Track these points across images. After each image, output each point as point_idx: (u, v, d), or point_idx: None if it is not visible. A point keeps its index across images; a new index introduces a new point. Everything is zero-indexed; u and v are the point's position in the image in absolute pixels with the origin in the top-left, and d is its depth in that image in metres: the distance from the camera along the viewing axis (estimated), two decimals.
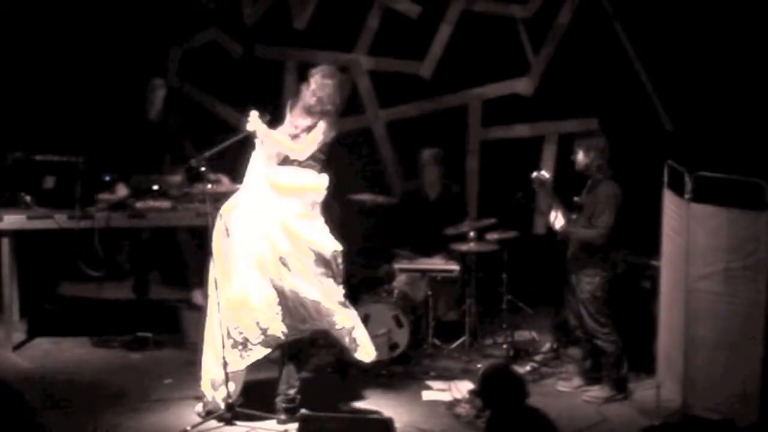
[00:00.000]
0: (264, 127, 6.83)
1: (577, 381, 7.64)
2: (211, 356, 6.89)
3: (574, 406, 7.27)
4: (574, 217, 7.53)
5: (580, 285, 7.43)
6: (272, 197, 6.84)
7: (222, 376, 6.82)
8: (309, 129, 6.90)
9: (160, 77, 9.10)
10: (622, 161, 8.03)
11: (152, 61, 9.88)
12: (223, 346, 6.78)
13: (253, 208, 6.84)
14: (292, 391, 6.94)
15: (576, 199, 7.52)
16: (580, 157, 7.44)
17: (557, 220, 7.55)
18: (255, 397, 7.04)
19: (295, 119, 6.97)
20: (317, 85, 6.93)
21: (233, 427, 6.85)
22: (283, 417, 6.89)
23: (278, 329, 6.79)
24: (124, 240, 9.21)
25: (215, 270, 6.86)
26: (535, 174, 7.65)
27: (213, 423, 6.86)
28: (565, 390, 7.59)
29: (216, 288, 6.83)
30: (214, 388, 6.90)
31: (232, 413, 6.86)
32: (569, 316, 7.73)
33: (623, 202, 7.39)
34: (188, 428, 6.82)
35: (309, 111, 6.93)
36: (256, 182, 6.88)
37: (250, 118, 6.82)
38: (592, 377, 7.58)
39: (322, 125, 6.90)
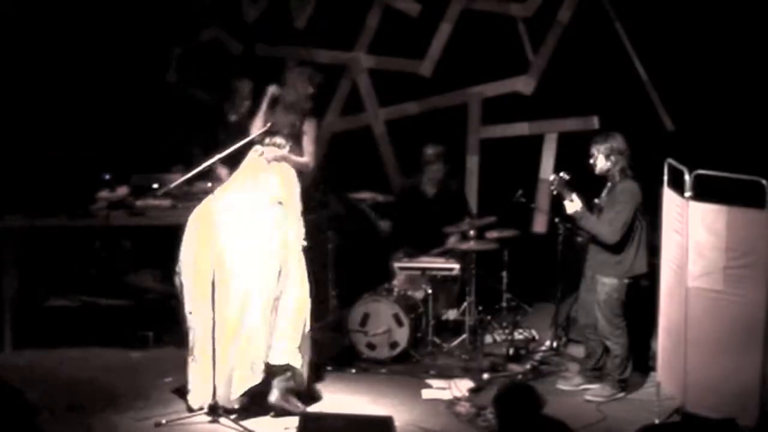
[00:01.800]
0: (281, 151, 7.01)
1: (577, 380, 7.62)
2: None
3: (574, 405, 7.26)
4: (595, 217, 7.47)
5: (597, 285, 7.39)
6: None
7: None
8: (291, 126, 7.08)
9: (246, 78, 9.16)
10: None
11: (153, 60, 9.91)
12: (213, 350, 6.84)
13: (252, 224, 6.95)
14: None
15: (596, 201, 7.45)
16: (601, 161, 7.36)
17: (574, 203, 7.44)
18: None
19: (274, 117, 7.12)
20: (300, 84, 7.13)
21: (226, 425, 6.87)
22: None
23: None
24: (124, 239, 9.22)
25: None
26: (554, 176, 7.55)
27: (199, 418, 6.90)
28: (565, 389, 7.58)
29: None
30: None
31: (214, 415, 6.86)
32: (580, 314, 7.70)
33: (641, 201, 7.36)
34: (162, 420, 6.84)
35: (290, 108, 7.11)
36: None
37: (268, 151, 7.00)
38: (593, 376, 7.57)
39: (311, 124, 7.13)
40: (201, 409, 6.93)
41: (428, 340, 8.43)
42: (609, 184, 7.41)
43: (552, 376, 7.86)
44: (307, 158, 7.16)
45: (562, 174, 7.47)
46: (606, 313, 7.36)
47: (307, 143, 7.15)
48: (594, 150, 7.39)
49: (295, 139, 7.12)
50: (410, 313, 8.26)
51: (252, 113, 8.94)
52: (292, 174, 7.10)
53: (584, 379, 7.59)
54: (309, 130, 7.15)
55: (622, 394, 7.44)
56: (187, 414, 6.92)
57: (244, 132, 8.90)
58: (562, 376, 7.82)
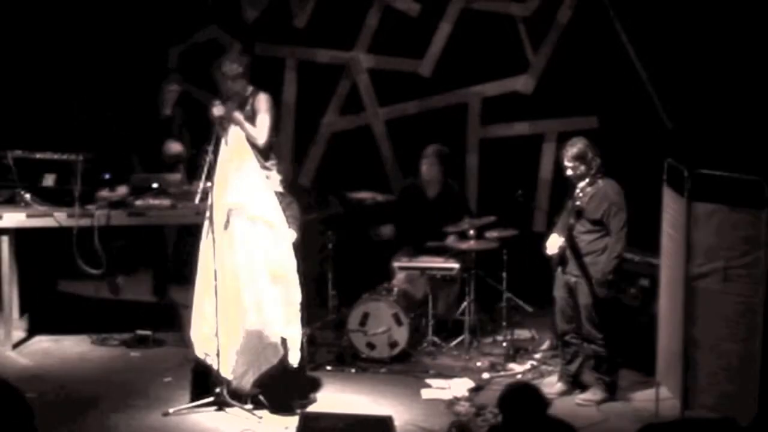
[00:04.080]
0: (230, 111, 7.13)
1: (559, 386, 7.52)
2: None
3: (573, 405, 7.26)
4: (572, 221, 7.33)
5: (580, 289, 7.32)
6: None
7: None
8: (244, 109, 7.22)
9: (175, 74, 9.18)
10: (622, 159, 8.02)
11: (152, 59, 9.91)
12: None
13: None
14: None
15: (577, 203, 7.28)
16: (578, 166, 7.23)
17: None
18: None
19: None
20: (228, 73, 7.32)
21: (229, 421, 6.90)
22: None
23: None
24: (124, 238, 9.21)
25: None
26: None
27: (206, 408, 6.99)
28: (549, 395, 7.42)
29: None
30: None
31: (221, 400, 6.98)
32: (558, 320, 7.62)
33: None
34: (169, 410, 6.93)
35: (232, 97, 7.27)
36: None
37: (215, 105, 7.10)
38: (575, 381, 7.50)
39: (263, 98, 7.18)
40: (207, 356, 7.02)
41: (428, 340, 8.43)
42: (587, 182, 7.22)
43: (552, 376, 7.83)
44: (258, 130, 7.13)
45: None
46: (593, 316, 7.30)
47: (260, 118, 7.15)
48: (567, 158, 7.26)
49: (250, 120, 7.16)
50: (410, 312, 8.26)
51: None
52: (253, 175, 7.06)
53: (565, 385, 7.52)
54: (260, 105, 7.16)
55: (613, 397, 7.38)
56: (194, 404, 7.01)
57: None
58: (545, 382, 7.72)
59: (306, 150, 10.12)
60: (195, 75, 10.05)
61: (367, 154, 10.02)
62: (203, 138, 7.34)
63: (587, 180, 7.24)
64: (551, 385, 7.58)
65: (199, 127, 8.86)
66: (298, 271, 7.00)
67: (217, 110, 7.11)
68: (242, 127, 7.07)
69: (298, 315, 6.96)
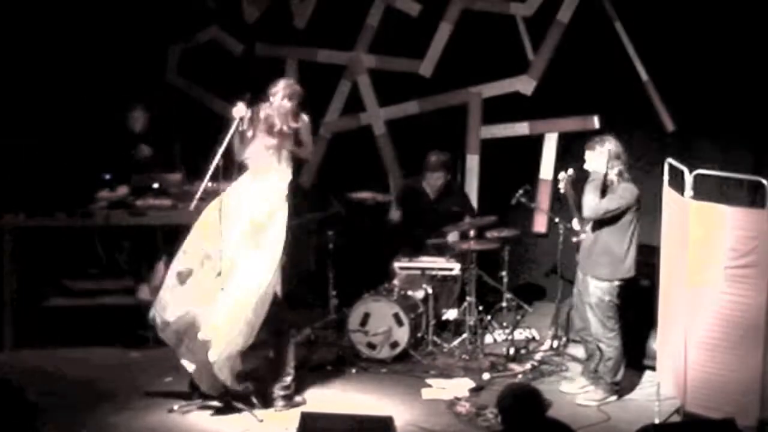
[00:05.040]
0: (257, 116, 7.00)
1: (582, 381, 7.56)
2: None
3: (575, 406, 7.27)
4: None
5: (588, 288, 7.34)
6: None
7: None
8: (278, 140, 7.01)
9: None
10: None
11: (152, 59, 9.91)
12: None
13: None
14: (288, 379, 7.07)
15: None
16: (598, 166, 7.22)
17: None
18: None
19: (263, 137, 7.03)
20: (278, 105, 7.02)
21: (229, 422, 6.92)
22: (281, 404, 7.04)
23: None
24: (124, 239, 9.23)
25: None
26: (563, 174, 7.38)
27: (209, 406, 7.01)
28: (569, 391, 7.46)
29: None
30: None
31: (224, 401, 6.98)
32: (575, 317, 7.68)
33: (639, 204, 7.28)
34: (175, 407, 6.96)
35: (271, 128, 7.02)
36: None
37: (237, 105, 6.92)
38: (596, 377, 7.52)
39: (304, 120, 7.07)
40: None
41: (428, 340, 8.42)
42: (607, 188, 7.25)
43: (552, 376, 7.85)
44: (307, 146, 7.13)
45: (570, 172, 7.36)
46: (598, 315, 7.31)
47: (305, 135, 7.06)
48: (589, 154, 7.29)
49: (292, 139, 7.06)
50: (410, 313, 8.25)
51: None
52: (278, 188, 7.01)
53: (588, 380, 7.54)
54: (303, 125, 7.05)
55: (614, 398, 7.39)
56: (199, 402, 7.05)
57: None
58: (565, 377, 7.77)
59: None
60: (195, 75, 10.06)
61: (367, 154, 10.02)
62: (203, 139, 7.33)
63: (607, 183, 7.22)
64: (572, 380, 7.60)
65: (200, 128, 8.91)
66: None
67: (237, 111, 6.91)
68: (300, 137, 7.00)
69: (231, 334, 6.85)
